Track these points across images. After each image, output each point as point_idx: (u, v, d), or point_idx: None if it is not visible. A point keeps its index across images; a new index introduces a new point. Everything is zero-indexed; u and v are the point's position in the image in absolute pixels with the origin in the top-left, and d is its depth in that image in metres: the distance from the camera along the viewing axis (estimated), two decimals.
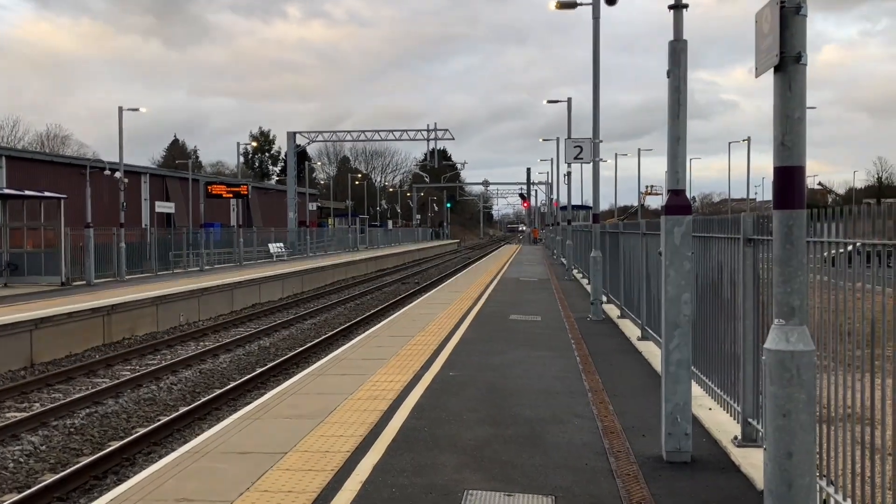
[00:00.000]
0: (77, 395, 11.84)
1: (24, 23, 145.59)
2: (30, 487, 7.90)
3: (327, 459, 6.02)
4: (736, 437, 6.32)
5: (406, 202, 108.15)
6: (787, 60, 3.52)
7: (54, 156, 49.89)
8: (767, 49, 3.62)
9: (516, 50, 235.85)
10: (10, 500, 7.27)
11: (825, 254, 4.63)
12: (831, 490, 4.66)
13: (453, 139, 58.87)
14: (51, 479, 7.99)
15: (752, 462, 5.68)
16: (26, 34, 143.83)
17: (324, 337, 17.46)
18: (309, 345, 16.36)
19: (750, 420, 6.20)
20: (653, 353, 10.48)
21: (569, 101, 30.22)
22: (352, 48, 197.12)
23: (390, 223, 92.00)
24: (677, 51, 5.98)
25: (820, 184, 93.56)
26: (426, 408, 7.66)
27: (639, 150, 69.57)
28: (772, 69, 3.60)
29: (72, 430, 10.23)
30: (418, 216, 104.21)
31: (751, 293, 6.20)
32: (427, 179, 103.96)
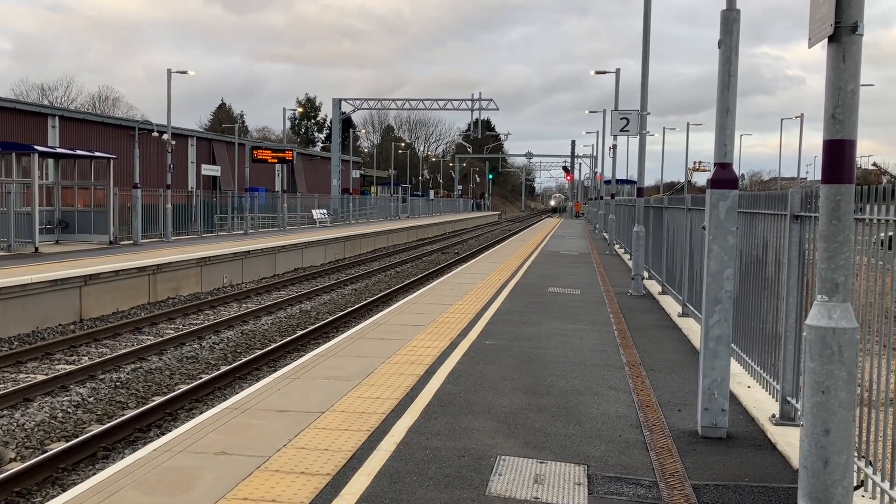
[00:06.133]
0: (123, 351, 12.17)
1: None
2: (77, 437, 8.18)
3: (363, 420, 6.12)
4: (774, 416, 6.27)
5: (448, 172, 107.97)
6: (842, 30, 3.42)
7: (105, 117, 50.73)
8: (822, 18, 3.52)
9: (577, 20, 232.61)
10: (59, 448, 7.54)
11: (880, 235, 4.53)
12: (870, 471, 4.61)
13: (497, 109, 58.53)
14: (97, 429, 8.26)
15: (789, 441, 5.64)
16: None
17: (364, 302, 17.63)
18: (349, 309, 16.54)
19: (789, 399, 6.14)
20: (693, 329, 10.39)
21: (617, 71, 29.77)
22: (413, 15, 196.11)
23: (432, 193, 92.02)
24: (730, 20, 5.85)
25: (874, 164, 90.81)
26: (462, 374, 7.72)
27: (687, 124, 68.38)
28: (826, 39, 3.50)
29: (118, 383, 10.53)
30: (460, 187, 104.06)
31: (795, 271, 6.10)
32: (470, 150, 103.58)
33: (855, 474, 4.59)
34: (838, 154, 3.51)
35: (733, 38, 5.83)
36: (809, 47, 3.67)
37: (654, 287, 15.33)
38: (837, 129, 3.49)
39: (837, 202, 3.53)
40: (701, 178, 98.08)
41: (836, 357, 3.51)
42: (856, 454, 4.65)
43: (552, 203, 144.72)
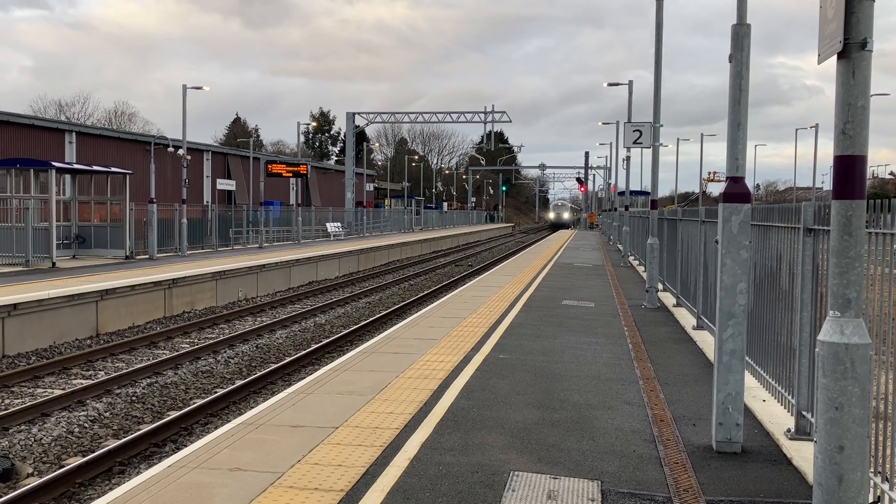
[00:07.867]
0: (139, 365, 12.25)
1: (114, 2, 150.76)
2: (93, 452, 8.24)
3: (377, 435, 6.13)
4: (789, 430, 6.23)
5: (462, 185, 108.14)
6: (850, 47, 3.43)
7: (121, 132, 51.20)
8: (831, 35, 3.53)
9: (592, 32, 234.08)
10: (76, 463, 7.59)
11: (894, 246, 4.51)
12: (886, 487, 4.57)
13: (510, 122, 58.65)
14: (113, 444, 8.31)
15: (805, 455, 5.60)
16: (115, 13, 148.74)
17: (378, 316, 17.66)
18: (363, 323, 16.58)
19: (804, 413, 6.10)
20: (707, 342, 10.35)
21: (630, 83, 29.79)
22: (430, 29, 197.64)
23: (445, 205, 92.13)
24: (740, 35, 5.86)
25: (892, 173, 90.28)
26: (475, 389, 7.72)
27: (701, 135, 68.03)
28: (835, 56, 3.51)
29: (133, 398, 10.59)
30: (473, 199, 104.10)
31: (809, 284, 6.08)
32: (483, 162, 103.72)
33: (871, 490, 4.55)
34: (849, 170, 3.51)
35: (744, 52, 5.84)
36: (819, 63, 3.68)
37: (668, 299, 15.27)
38: (848, 145, 3.49)
39: (849, 218, 3.52)
40: (716, 189, 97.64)
41: (849, 373, 3.50)
42: (871, 470, 4.62)
43: (550, 216, 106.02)
